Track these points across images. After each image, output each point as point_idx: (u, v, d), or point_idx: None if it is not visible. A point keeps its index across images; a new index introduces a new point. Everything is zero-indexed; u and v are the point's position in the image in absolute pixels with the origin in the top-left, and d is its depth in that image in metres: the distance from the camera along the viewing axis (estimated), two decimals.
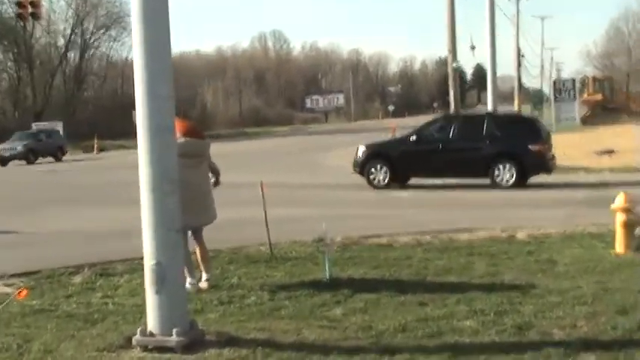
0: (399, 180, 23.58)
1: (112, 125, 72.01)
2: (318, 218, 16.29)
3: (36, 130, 56.50)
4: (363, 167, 23.90)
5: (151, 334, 7.08)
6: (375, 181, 23.42)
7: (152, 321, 7.11)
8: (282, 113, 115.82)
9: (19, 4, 27.10)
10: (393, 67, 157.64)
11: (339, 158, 37.30)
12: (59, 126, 62.84)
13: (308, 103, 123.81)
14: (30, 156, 49.38)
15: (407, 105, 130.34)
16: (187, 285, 9.67)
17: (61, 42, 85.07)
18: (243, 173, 29.17)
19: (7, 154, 49.13)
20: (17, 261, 12.14)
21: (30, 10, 26.62)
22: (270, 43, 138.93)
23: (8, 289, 9.98)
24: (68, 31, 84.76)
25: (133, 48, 7.09)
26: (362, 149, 24.31)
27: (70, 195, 24.52)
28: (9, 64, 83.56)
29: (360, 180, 23.91)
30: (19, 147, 49.63)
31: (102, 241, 14.12)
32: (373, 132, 53.58)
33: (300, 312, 8.37)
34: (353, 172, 24.32)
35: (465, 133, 23.41)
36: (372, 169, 23.66)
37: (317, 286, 9.63)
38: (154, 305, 7.11)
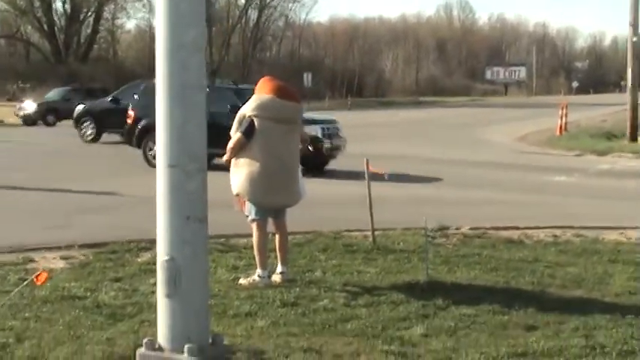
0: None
1: None
2: (454, 201, 14.57)
3: (70, 87, 46.12)
4: (77, 122, 29.29)
5: (160, 348, 5.58)
6: (83, 135, 28.57)
7: (162, 331, 5.58)
8: (460, 84, 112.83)
9: None
10: (581, 43, 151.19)
11: (502, 134, 35.08)
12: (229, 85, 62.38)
13: (488, 75, 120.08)
14: (49, 117, 41.40)
15: (593, 82, 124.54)
16: (256, 277, 8.21)
17: (242, 1, 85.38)
18: (395, 143, 27.67)
19: (20, 113, 41.56)
20: (101, 228, 11.03)
21: None
22: (455, 13, 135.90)
23: (61, 264, 8.78)
24: None
25: None
26: (79, 107, 29.95)
27: None
28: None
29: (511, 159, 22.44)
30: (34, 106, 42.14)
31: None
32: (549, 108, 50.70)
33: (372, 327, 6.70)
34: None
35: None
36: (83, 124, 28.89)
37: (410, 290, 7.92)
38: (164, 312, 5.56)
